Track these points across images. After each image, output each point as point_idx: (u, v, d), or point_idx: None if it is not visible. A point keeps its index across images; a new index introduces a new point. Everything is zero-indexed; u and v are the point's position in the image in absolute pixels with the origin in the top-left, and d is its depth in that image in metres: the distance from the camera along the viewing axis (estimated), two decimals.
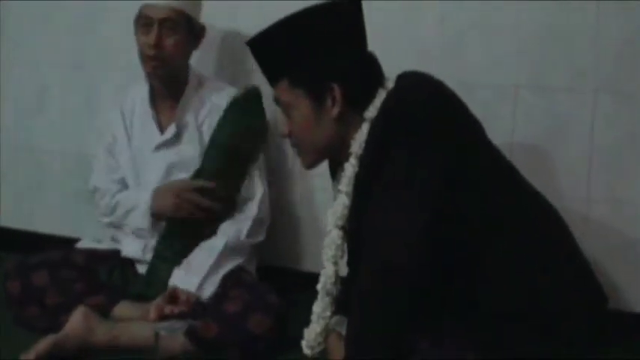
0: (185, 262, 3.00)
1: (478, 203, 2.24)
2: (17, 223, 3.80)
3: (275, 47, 2.37)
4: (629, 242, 2.93)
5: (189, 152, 3.14)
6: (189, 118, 3.15)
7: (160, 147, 3.15)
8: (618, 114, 2.93)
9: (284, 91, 2.39)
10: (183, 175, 3.12)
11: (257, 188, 3.16)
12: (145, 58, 3.08)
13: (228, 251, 3.03)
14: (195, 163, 3.12)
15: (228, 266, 3.01)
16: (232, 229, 3.07)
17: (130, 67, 3.34)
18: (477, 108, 2.40)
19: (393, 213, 2.18)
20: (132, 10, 3.08)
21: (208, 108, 3.17)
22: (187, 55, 3.19)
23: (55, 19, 3.77)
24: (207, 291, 2.94)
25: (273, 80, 2.42)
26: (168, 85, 3.15)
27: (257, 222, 3.14)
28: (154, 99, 3.21)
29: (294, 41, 2.34)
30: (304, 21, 2.33)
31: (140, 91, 3.22)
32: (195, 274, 2.95)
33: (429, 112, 2.23)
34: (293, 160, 2.43)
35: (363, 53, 2.40)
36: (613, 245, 2.95)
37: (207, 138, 3.14)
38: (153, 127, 3.17)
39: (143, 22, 3.07)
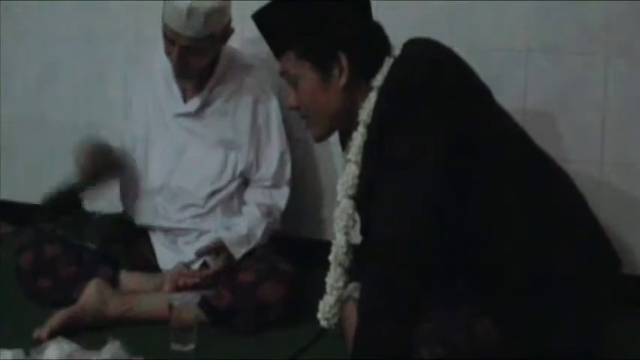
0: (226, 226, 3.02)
1: (489, 170, 2.22)
2: (29, 197, 3.75)
3: (280, 19, 2.35)
4: None
5: (209, 129, 3.08)
6: (216, 96, 3.09)
7: (179, 116, 3.09)
8: (631, 77, 2.92)
9: (290, 63, 2.37)
10: (199, 153, 3.07)
11: (286, 176, 3.14)
12: (170, 61, 2.98)
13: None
14: (213, 142, 3.08)
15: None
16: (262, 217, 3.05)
17: (140, 40, 3.36)
18: (488, 73, 2.37)
19: (402, 181, 2.16)
20: None
21: (237, 86, 3.10)
22: (216, 51, 3.07)
23: None
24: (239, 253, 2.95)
25: (279, 53, 2.40)
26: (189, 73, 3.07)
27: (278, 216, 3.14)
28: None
29: (299, 12, 2.31)
30: None
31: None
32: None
33: (436, 80, 2.21)
34: (304, 130, 2.42)
35: (368, 22, 2.38)
36: (626, 209, 2.94)
37: (230, 119, 3.08)
38: (177, 94, 3.09)
39: (165, 36, 2.95)
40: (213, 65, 3.08)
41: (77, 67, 3.75)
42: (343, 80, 2.32)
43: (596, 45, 2.94)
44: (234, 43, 3.14)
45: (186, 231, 3.07)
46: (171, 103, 3.11)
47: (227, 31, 3.04)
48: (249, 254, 2.94)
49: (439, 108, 2.19)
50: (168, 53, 2.97)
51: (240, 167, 3.09)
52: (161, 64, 3.11)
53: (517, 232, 2.20)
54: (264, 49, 2.51)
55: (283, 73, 2.42)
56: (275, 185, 3.12)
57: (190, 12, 2.87)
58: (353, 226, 2.39)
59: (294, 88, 2.40)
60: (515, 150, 2.30)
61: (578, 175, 2.44)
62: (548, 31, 3.00)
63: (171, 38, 2.93)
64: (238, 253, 2.93)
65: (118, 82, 3.54)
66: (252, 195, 3.12)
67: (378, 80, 2.30)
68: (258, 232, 3.00)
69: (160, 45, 3.04)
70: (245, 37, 3.21)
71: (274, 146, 3.13)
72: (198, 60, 2.99)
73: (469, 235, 2.21)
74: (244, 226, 3.00)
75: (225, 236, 2.96)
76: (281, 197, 3.12)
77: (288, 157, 3.15)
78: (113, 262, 2.99)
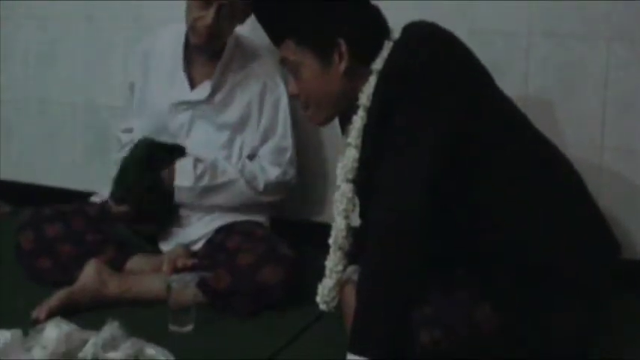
0: (196, 158, 3.02)
1: (489, 155, 2.22)
2: (28, 177, 3.81)
3: (278, 7, 2.35)
4: None
5: (215, 114, 3.07)
6: (225, 81, 3.08)
7: (186, 104, 3.08)
8: (632, 62, 2.90)
9: (290, 50, 2.38)
10: (204, 135, 3.07)
11: (285, 158, 3.13)
12: (195, 31, 2.96)
13: (237, 194, 3.04)
14: (219, 125, 3.07)
15: (225, 217, 3.03)
16: (251, 178, 3.06)
17: (141, 19, 3.35)
18: (488, 57, 2.37)
19: (401, 164, 2.16)
20: None
21: (245, 73, 3.10)
22: (234, 29, 3.08)
23: None
24: (182, 193, 2.98)
25: (278, 41, 2.41)
26: (208, 49, 3.04)
27: (276, 184, 3.11)
28: (188, 50, 3.10)
29: (296, 0, 2.32)
30: None
31: (173, 35, 3.12)
32: (192, 176, 2.98)
33: (436, 63, 2.21)
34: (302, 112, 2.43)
35: (366, 6, 2.38)
36: (626, 194, 2.93)
37: (238, 103, 3.08)
38: (182, 79, 3.08)
39: None
40: (221, 50, 3.06)
41: (77, 48, 3.75)
42: (343, 65, 2.32)
43: (598, 30, 2.92)
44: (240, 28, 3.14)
45: (189, 210, 3.06)
46: (177, 90, 3.09)
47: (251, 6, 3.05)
48: (247, 235, 2.93)
49: (439, 91, 2.19)
50: (198, 18, 2.91)
51: (245, 151, 3.10)
52: (164, 49, 3.11)
53: (517, 216, 2.21)
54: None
55: (283, 61, 2.43)
56: (271, 164, 3.11)
57: None
58: (353, 210, 2.40)
59: (295, 75, 2.41)
60: (516, 135, 2.30)
61: (578, 161, 2.45)
62: (550, 15, 2.97)
63: None
64: (182, 177, 2.98)
65: (119, 63, 3.53)
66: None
67: (378, 64, 2.30)
68: (221, 178, 3.01)
69: (158, 31, 3.09)
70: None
71: (279, 134, 3.13)
72: (229, 25, 2.98)
73: (469, 219, 2.22)
74: (214, 162, 3.04)
75: (182, 164, 3.00)
76: (273, 171, 3.11)
77: (289, 144, 3.14)
78: (117, 244, 2.98)
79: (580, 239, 2.24)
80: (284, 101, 3.13)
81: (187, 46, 3.10)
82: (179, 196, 3.00)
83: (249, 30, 3.16)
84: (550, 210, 2.23)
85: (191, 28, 2.98)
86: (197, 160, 3.01)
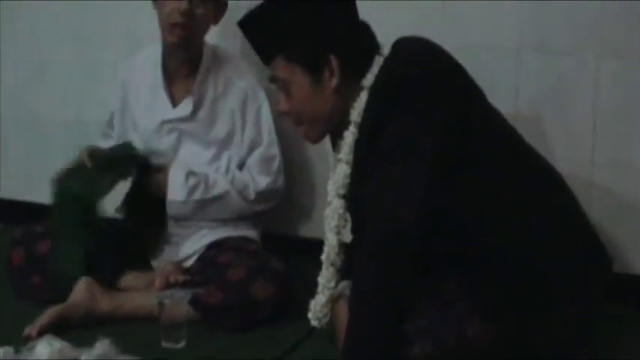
0: (188, 171, 3.01)
1: (480, 167, 2.23)
2: (19, 194, 3.80)
3: (267, 25, 2.35)
4: (632, 205, 2.92)
5: (201, 130, 3.08)
6: (205, 95, 3.08)
7: (170, 122, 3.08)
8: (622, 77, 2.90)
9: (280, 68, 2.37)
10: (192, 151, 3.07)
11: (273, 168, 3.13)
12: (170, 27, 2.96)
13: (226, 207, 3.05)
14: (205, 142, 3.08)
15: (216, 233, 3.04)
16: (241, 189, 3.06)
17: (130, 37, 3.35)
18: (478, 72, 2.38)
19: (392, 178, 2.17)
20: None
21: (224, 84, 3.10)
22: (208, 29, 3.08)
23: None
24: (175, 207, 2.97)
25: (267, 59, 2.40)
26: (186, 58, 3.06)
27: (267, 193, 3.11)
28: (166, 69, 3.10)
29: (286, 16, 2.32)
30: None
31: (149, 57, 3.13)
32: (184, 190, 2.98)
33: (426, 78, 2.22)
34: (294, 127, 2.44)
35: (355, 22, 2.38)
36: (617, 208, 2.94)
37: (222, 118, 3.08)
38: (164, 99, 3.09)
39: None
40: (198, 63, 3.07)
41: (68, 65, 3.74)
42: (334, 82, 2.32)
43: (588, 44, 2.93)
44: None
45: (180, 227, 3.06)
46: (159, 110, 3.10)
47: (223, 4, 3.07)
48: (239, 251, 2.93)
49: (431, 104, 2.20)
50: (172, 9, 2.92)
51: (233, 164, 3.10)
52: (142, 72, 3.13)
53: (509, 228, 2.21)
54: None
55: (273, 79, 2.42)
56: (260, 172, 3.11)
57: None
58: (344, 226, 2.40)
59: (285, 93, 2.40)
60: (506, 148, 2.31)
61: (568, 175, 2.45)
62: (540, 29, 2.98)
63: None
64: (175, 191, 2.97)
65: (109, 80, 3.48)
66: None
67: (369, 80, 2.31)
68: (213, 190, 3.01)
69: (136, 55, 3.14)
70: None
71: (265, 143, 3.12)
72: (204, 13, 2.98)
73: (461, 232, 2.22)
74: (205, 175, 3.04)
75: (176, 169, 3.01)
76: (263, 180, 3.10)
77: (276, 152, 3.14)
78: (110, 262, 2.96)
79: (572, 252, 2.24)
80: (265, 109, 3.13)
81: (165, 66, 3.10)
82: (172, 210, 3.01)
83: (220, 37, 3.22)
84: (542, 222, 2.23)
85: (165, 27, 2.98)
86: (189, 174, 3.00)
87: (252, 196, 3.08)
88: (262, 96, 3.13)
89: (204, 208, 3.02)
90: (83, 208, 2.89)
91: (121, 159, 3.00)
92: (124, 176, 2.98)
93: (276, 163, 3.14)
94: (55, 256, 2.90)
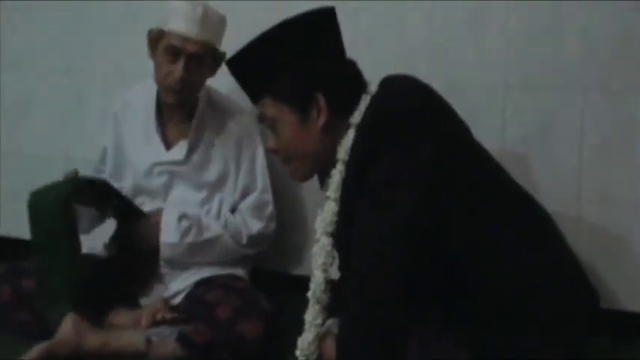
0: (181, 213, 3.01)
1: (467, 204, 2.23)
2: (4, 230, 3.79)
3: (254, 65, 2.36)
4: (620, 242, 2.92)
5: (194, 173, 3.09)
6: (201, 139, 3.09)
7: (162, 164, 3.09)
8: (607, 112, 2.90)
9: (268, 107, 2.38)
10: (183, 193, 3.09)
11: (266, 213, 3.15)
12: (166, 89, 2.98)
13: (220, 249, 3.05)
14: (197, 184, 3.09)
15: (205, 271, 3.04)
16: (235, 233, 3.08)
17: (119, 71, 3.37)
18: (465, 109, 2.41)
19: (379, 214, 2.18)
20: (119, 13, 3.06)
21: (219, 129, 3.11)
22: (205, 82, 3.09)
23: (42, 22, 3.75)
24: (167, 250, 2.98)
25: (255, 98, 2.41)
26: (181, 104, 3.06)
27: (259, 237, 3.13)
28: (160, 110, 3.11)
29: (273, 56, 2.33)
30: (280, 35, 2.33)
31: (144, 93, 3.13)
32: (177, 233, 2.99)
33: (413, 114, 2.23)
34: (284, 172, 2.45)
35: (342, 60, 2.40)
36: (604, 245, 2.93)
37: (215, 161, 3.09)
38: (157, 141, 3.09)
39: (169, 50, 2.93)
40: (194, 107, 3.08)
41: (53, 100, 3.75)
42: (322, 120, 2.34)
43: (573, 80, 2.94)
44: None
45: (169, 265, 3.05)
46: (152, 152, 3.10)
47: (221, 56, 3.02)
48: (227, 289, 2.93)
49: (416, 141, 2.20)
50: (168, 74, 2.93)
51: (225, 207, 3.12)
52: (136, 108, 3.13)
53: (496, 264, 2.22)
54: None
55: (262, 118, 2.43)
56: (253, 217, 3.12)
57: (206, 14, 2.91)
58: (332, 263, 2.40)
59: (274, 131, 2.41)
60: (493, 184, 2.32)
61: (556, 212, 2.47)
62: (526, 66, 2.99)
63: (177, 46, 2.91)
64: (167, 233, 2.98)
65: (96, 115, 3.54)
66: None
67: (356, 117, 2.32)
68: (206, 234, 3.02)
69: (129, 91, 3.13)
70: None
71: (260, 188, 3.14)
72: (199, 78, 2.99)
73: (447, 267, 2.22)
74: (197, 218, 3.04)
75: (169, 211, 3.02)
76: (255, 225, 3.11)
77: (269, 197, 3.16)
78: (97, 299, 2.95)
79: (558, 287, 2.24)
80: (261, 155, 3.14)
81: (159, 106, 3.10)
82: (165, 252, 3.00)
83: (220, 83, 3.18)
84: (529, 257, 2.23)
85: (162, 86, 3.00)
86: (182, 216, 3.01)
87: (244, 240, 3.09)
88: (258, 140, 3.15)
89: (196, 250, 3.03)
90: (57, 210, 2.88)
91: (97, 186, 2.99)
92: (100, 205, 3.00)
93: (269, 209, 3.16)
94: (42, 292, 2.87)
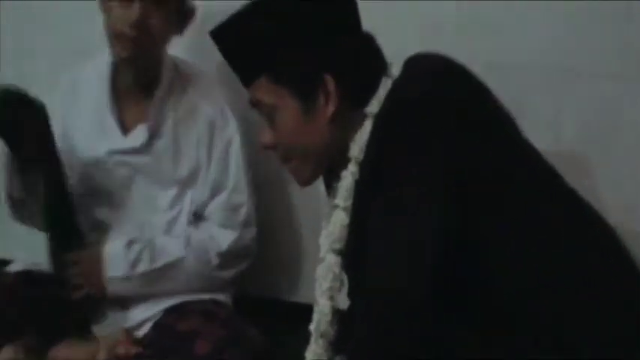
0: (128, 240, 2.98)
1: (506, 213, 2.14)
2: None
3: (247, 37, 2.27)
4: None
5: (159, 167, 3.03)
6: (164, 121, 3.04)
7: (119, 153, 3.03)
8: None
9: (264, 91, 2.28)
10: (146, 193, 3.04)
11: (240, 217, 3.08)
12: (118, 40, 2.88)
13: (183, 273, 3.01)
14: (164, 180, 3.04)
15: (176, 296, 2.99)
16: (201, 252, 3.02)
17: (72, 47, 3.41)
18: (509, 98, 2.29)
19: (399, 228, 2.09)
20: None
21: (188, 109, 3.06)
22: (169, 40, 3.01)
23: None
24: (117, 286, 2.95)
25: (248, 79, 2.32)
26: (139, 74, 3.00)
27: (233, 253, 3.07)
28: (116, 87, 3.05)
29: (271, 26, 2.24)
30: (281, 1, 2.26)
31: (97, 71, 3.07)
32: (125, 263, 2.96)
33: (445, 104, 2.14)
34: (276, 171, 2.39)
35: (357, 34, 2.31)
36: None
37: (185, 150, 3.04)
38: (112, 125, 3.03)
39: None
40: (156, 81, 3.01)
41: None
42: (331, 108, 2.24)
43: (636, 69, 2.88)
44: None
45: None
46: (106, 138, 3.03)
47: (190, 10, 3.01)
48: (205, 317, 2.87)
49: (449, 138, 2.11)
50: (119, 20, 2.86)
51: (193, 208, 3.06)
52: (87, 89, 3.09)
53: (538, 289, 2.12)
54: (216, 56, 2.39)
55: (255, 104, 2.33)
56: (222, 226, 3.07)
57: None
58: (340, 289, 2.33)
59: (270, 122, 2.32)
60: (541, 191, 2.22)
61: (626, 230, 2.35)
62: (584, 50, 2.94)
63: None
64: (114, 266, 2.96)
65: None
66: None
67: (374, 106, 2.23)
68: (162, 259, 3.00)
69: (81, 67, 3.10)
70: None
71: (231, 186, 3.09)
72: (159, 24, 2.91)
73: (477, 293, 2.13)
74: (150, 240, 2.98)
75: (113, 246, 2.98)
76: (225, 238, 3.05)
77: (244, 199, 3.09)
78: (40, 326, 2.90)
79: (619, 316, 2.12)
80: (236, 144, 3.08)
81: (114, 83, 3.04)
82: (114, 289, 2.93)
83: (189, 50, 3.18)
84: (579, 280, 2.13)
85: (114, 36, 2.89)
86: (130, 242, 2.95)
87: (214, 260, 3.03)
88: (233, 126, 3.08)
89: (153, 281, 2.99)
90: None
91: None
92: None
93: (243, 213, 3.08)
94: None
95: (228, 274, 3.07)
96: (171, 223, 3.07)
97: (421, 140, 2.12)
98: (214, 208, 3.08)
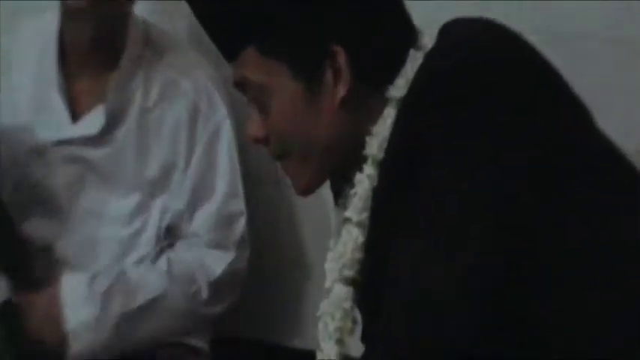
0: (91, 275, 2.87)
1: (574, 237, 2.03)
2: None
3: None
4: None
5: (118, 164, 2.93)
6: (129, 103, 2.97)
7: (67, 144, 2.90)
8: None
9: (252, 66, 2.15)
10: (100, 201, 2.96)
11: (236, 234, 2.98)
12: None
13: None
14: (124, 184, 2.93)
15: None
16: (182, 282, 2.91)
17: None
18: (574, 73, 2.19)
19: (432, 257, 1.98)
20: None
21: (161, 88, 3.00)
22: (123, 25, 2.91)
23: None
24: (80, 340, 2.86)
25: (232, 51, 2.20)
26: (99, 36, 2.92)
27: (227, 282, 2.99)
28: (65, 54, 2.97)
29: None
30: None
31: (37, 34, 3.00)
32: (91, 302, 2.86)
33: (496, 86, 2.04)
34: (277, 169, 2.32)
35: None
36: None
37: (155, 143, 2.95)
38: (58, 105, 2.93)
39: None
40: (118, 49, 2.88)
41: None
42: (341, 90, 2.12)
43: None
44: None
45: None
46: (49, 123, 2.92)
47: None
48: None
49: (500, 133, 2.01)
50: None
51: (166, 220, 2.91)
52: (26, 57, 3.03)
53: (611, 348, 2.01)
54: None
55: (240, 84, 2.22)
56: (212, 244, 2.97)
57: None
58: (352, 331, 2.24)
59: (260, 107, 2.20)
60: (621, 202, 2.12)
61: None
62: None
63: None
64: (74, 312, 2.86)
65: None
66: (175, 249, 2.92)
67: (399, 88, 2.11)
68: (140, 295, 2.92)
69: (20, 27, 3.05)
70: None
71: (219, 186, 2.98)
72: None
73: (535, 341, 2.02)
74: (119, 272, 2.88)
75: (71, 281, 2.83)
76: (218, 260, 2.96)
77: (241, 207, 2.99)
78: None
79: None
80: (227, 134, 2.99)
81: (63, 48, 2.96)
82: (77, 344, 2.82)
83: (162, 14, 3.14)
84: None
85: None
86: (93, 277, 2.82)
87: (204, 293, 2.96)
88: (223, 112, 3.04)
89: (129, 328, 2.91)
90: None
91: None
92: None
93: (240, 227, 2.98)
94: None
95: (218, 309, 3.02)
96: (132, 241, 2.98)
97: (466, 135, 2.02)
98: (202, 222, 3.03)
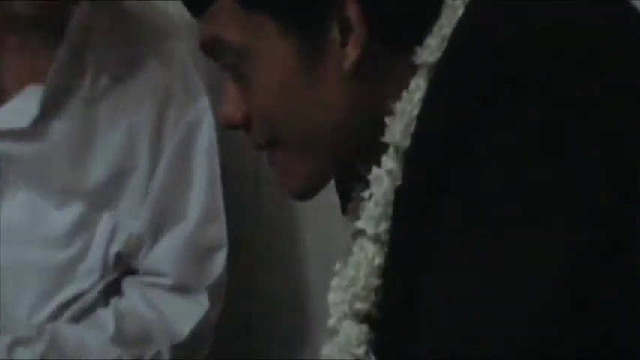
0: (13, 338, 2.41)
1: None
2: None
3: None
4: None
5: (65, 162, 2.50)
6: (74, 84, 2.50)
7: None
8: None
9: (228, 22, 1.77)
10: (25, 217, 2.51)
11: (212, 275, 2.52)
12: None
13: None
14: (60, 192, 2.51)
15: None
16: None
17: None
18: None
19: (485, 279, 1.58)
20: None
21: (119, 64, 2.56)
22: None
23: None
24: None
25: (201, 0, 1.79)
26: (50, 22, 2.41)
27: (196, 339, 2.52)
28: None
29: None
30: None
31: None
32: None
33: (561, 58, 1.63)
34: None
35: None
36: None
37: (106, 138, 2.53)
38: None
39: None
40: (66, 12, 2.42)
41: None
42: (352, 53, 1.72)
43: None
44: None
45: None
46: None
47: None
48: None
49: (576, 118, 1.59)
50: None
51: (116, 247, 2.48)
52: None
53: None
54: None
55: (210, 47, 1.85)
56: (179, 288, 2.55)
57: None
58: None
59: (238, 78, 1.79)
60: None
61: None
62: None
63: None
64: None
65: None
66: (126, 290, 2.52)
67: (430, 50, 1.73)
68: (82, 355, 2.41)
69: None
70: None
71: (194, 205, 2.57)
72: None
73: None
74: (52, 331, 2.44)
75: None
76: (185, 315, 2.53)
77: (220, 234, 2.57)
78: None
79: None
80: (208, 132, 2.53)
81: None
82: None
83: None
84: None
85: None
86: (16, 342, 2.39)
87: (165, 355, 2.48)
88: (204, 103, 2.58)
89: None
90: None
91: None
92: None
93: (219, 266, 2.56)
94: None
95: None
96: (69, 269, 2.52)
97: (542, 126, 1.62)
98: (166, 255, 2.58)
